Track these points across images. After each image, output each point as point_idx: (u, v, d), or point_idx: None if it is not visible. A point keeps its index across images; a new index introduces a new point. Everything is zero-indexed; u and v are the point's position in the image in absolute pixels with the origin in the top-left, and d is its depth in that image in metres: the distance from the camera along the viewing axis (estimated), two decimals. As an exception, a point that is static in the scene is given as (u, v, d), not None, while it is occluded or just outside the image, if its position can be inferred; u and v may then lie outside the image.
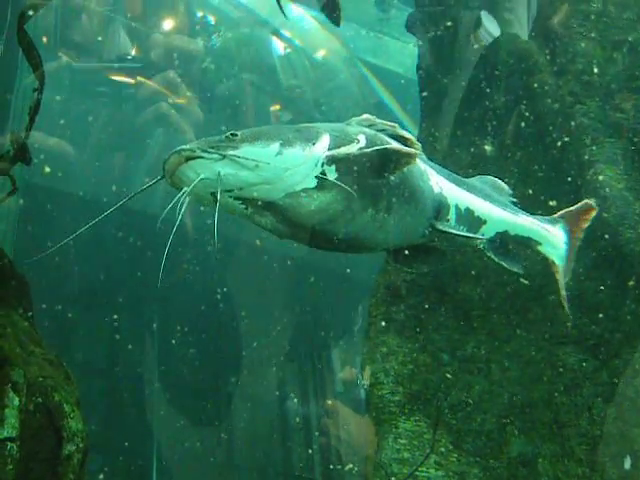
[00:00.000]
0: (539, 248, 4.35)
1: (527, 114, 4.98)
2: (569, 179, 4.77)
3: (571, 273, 4.35)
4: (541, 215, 4.47)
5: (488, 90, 5.10)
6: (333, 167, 3.39)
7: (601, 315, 4.54)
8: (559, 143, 4.83)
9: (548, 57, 5.03)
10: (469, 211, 4.10)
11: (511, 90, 5.06)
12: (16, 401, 2.79)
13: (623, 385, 4.56)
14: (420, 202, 3.83)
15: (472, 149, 5.05)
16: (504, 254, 4.27)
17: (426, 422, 4.63)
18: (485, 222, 4.16)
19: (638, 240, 4.51)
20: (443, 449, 4.58)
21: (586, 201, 4.41)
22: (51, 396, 2.97)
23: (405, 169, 3.67)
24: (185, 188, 3.18)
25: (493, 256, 4.22)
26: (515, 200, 4.46)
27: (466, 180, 4.28)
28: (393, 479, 4.49)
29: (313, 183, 3.36)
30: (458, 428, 4.64)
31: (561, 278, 4.31)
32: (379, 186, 3.58)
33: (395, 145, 3.65)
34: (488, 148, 5.03)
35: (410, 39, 6.08)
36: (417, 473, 4.47)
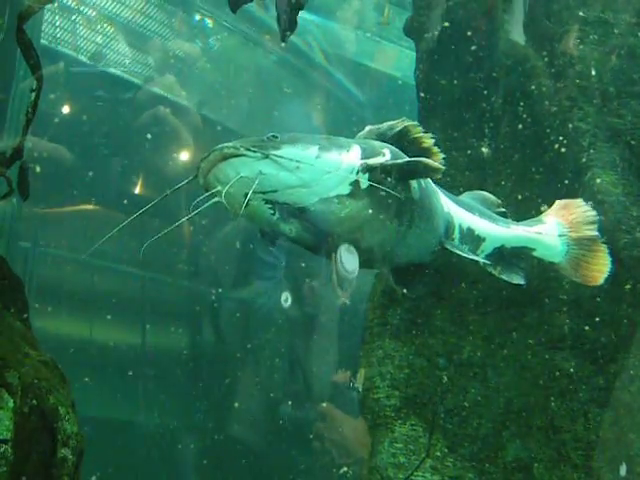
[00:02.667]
0: (534, 254, 4.43)
1: (524, 116, 4.99)
2: (566, 182, 4.78)
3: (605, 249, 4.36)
4: (530, 218, 4.55)
5: (485, 92, 5.11)
6: (367, 175, 3.46)
7: (597, 320, 4.54)
8: (556, 147, 4.84)
9: (546, 60, 5.04)
10: (470, 230, 4.22)
11: (508, 93, 5.07)
12: (10, 403, 2.79)
13: (619, 390, 4.55)
14: (435, 219, 3.95)
15: (469, 151, 5.06)
16: (504, 267, 4.34)
17: (422, 426, 4.62)
18: (484, 240, 4.29)
19: (634, 245, 4.52)
20: (439, 453, 4.57)
21: (558, 201, 4.52)
22: (46, 398, 2.96)
23: (424, 186, 3.82)
24: (219, 187, 3.20)
25: (494, 271, 4.30)
26: (504, 210, 4.52)
27: (461, 199, 4.40)
28: None
29: (347, 190, 3.42)
30: (454, 432, 4.64)
31: (568, 270, 4.37)
32: (403, 200, 3.66)
33: (425, 159, 3.71)
34: (485, 150, 5.04)
35: (409, 43, 6.08)
36: (413, 477, 4.47)
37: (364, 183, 3.45)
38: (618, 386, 4.54)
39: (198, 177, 3.31)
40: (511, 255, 4.42)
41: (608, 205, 4.60)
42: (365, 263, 4.05)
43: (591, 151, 4.73)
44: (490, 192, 4.82)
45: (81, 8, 8.14)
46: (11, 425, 2.75)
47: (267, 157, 3.20)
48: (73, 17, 8.25)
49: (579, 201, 4.48)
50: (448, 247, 4.05)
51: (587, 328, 4.55)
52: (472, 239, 4.25)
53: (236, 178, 3.17)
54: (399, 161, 3.58)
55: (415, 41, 5.54)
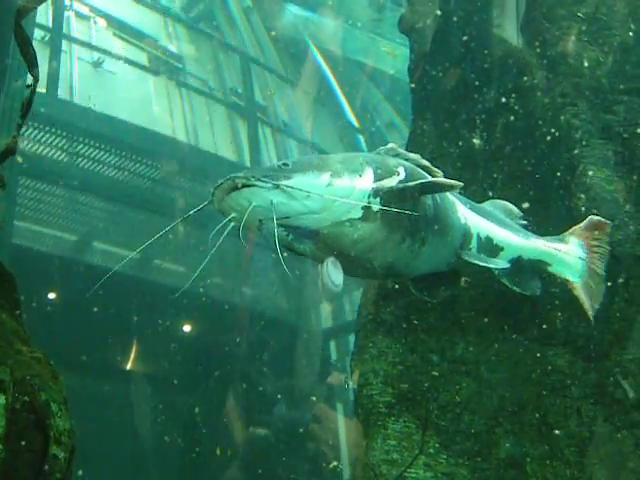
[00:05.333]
0: (549, 269, 4.44)
1: (516, 109, 4.99)
2: (558, 174, 4.78)
3: (603, 288, 4.41)
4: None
5: (477, 84, 5.11)
6: (378, 199, 3.51)
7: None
8: (549, 143, 4.84)
9: (538, 52, 5.04)
10: (489, 239, 4.24)
11: (500, 85, 5.07)
12: (2, 400, 2.77)
13: (612, 387, 4.56)
14: (451, 234, 3.99)
15: (461, 143, 5.06)
16: (518, 279, 4.35)
17: (415, 423, 4.62)
18: (502, 249, 4.30)
19: (627, 241, 4.52)
20: (432, 450, 4.57)
21: (591, 217, 4.48)
22: (38, 395, 2.94)
23: (439, 202, 3.85)
24: (233, 214, 3.28)
25: (507, 282, 4.32)
26: (526, 222, 4.52)
27: (482, 207, 4.41)
28: None
29: (359, 214, 3.47)
30: (447, 429, 4.63)
31: (581, 294, 4.37)
32: (417, 218, 3.71)
33: (438, 178, 3.81)
34: (477, 142, 5.04)
35: (402, 39, 6.10)
36: (406, 474, 4.46)
37: (376, 206, 3.49)
38: (611, 383, 4.55)
39: (213, 203, 3.37)
40: (527, 267, 4.42)
41: (601, 201, 4.60)
42: (379, 277, 4.11)
43: (584, 148, 4.73)
44: (481, 184, 4.84)
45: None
46: (2, 422, 2.73)
47: (278, 187, 3.25)
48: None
49: (608, 226, 4.47)
50: (465, 257, 4.08)
51: (580, 324, 4.55)
52: (490, 248, 4.26)
53: (249, 208, 3.22)
54: (411, 184, 3.61)
55: (408, 36, 5.54)
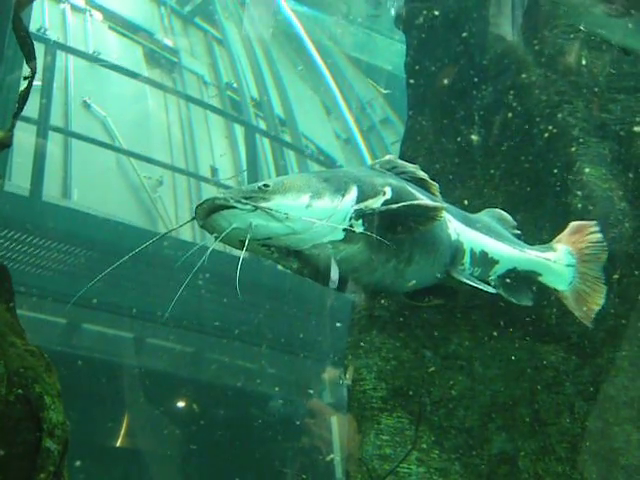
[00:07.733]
0: (540, 279, 4.45)
1: (514, 105, 4.99)
2: (555, 171, 4.79)
3: (603, 289, 4.41)
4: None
5: (475, 80, 5.11)
6: (360, 221, 3.50)
7: (584, 312, 4.55)
8: (546, 140, 4.84)
9: (537, 55, 5.04)
10: (483, 253, 4.21)
11: (498, 81, 5.08)
12: (-5, 392, 2.77)
13: (604, 383, 4.57)
14: (438, 252, 3.95)
15: (459, 138, 5.06)
16: (512, 289, 4.34)
17: (408, 418, 4.62)
18: (498, 262, 4.29)
19: (621, 239, 4.53)
20: (425, 445, 4.57)
21: (572, 223, 4.49)
22: (32, 387, 2.94)
23: None
24: (215, 234, 3.30)
25: (503, 293, 4.30)
26: (519, 232, 4.52)
27: (477, 218, 4.39)
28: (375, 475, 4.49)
29: (340, 235, 3.46)
30: (440, 425, 4.64)
31: (570, 302, 4.38)
32: (403, 239, 3.68)
33: (422, 201, 3.75)
34: (474, 138, 5.04)
35: (399, 36, 6.10)
36: (398, 469, 4.47)
37: (358, 228, 3.48)
38: (603, 379, 4.56)
39: (197, 220, 3.37)
40: (520, 278, 4.42)
41: (595, 200, 4.61)
42: (366, 292, 4.11)
43: (579, 146, 4.74)
44: (478, 180, 4.84)
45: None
46: (-4, 414, 2.73)
47: (256, 209, 3.25)
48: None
49: (592, 226, 4.47)
50: (454, 275, 4.05)
51: (574, 321, 4.55)
52: (485, 262, 4.24)
53: (229, 229, 3.24)
54: (393, 206, 3.57)
55: (405, 31, 5.54)
